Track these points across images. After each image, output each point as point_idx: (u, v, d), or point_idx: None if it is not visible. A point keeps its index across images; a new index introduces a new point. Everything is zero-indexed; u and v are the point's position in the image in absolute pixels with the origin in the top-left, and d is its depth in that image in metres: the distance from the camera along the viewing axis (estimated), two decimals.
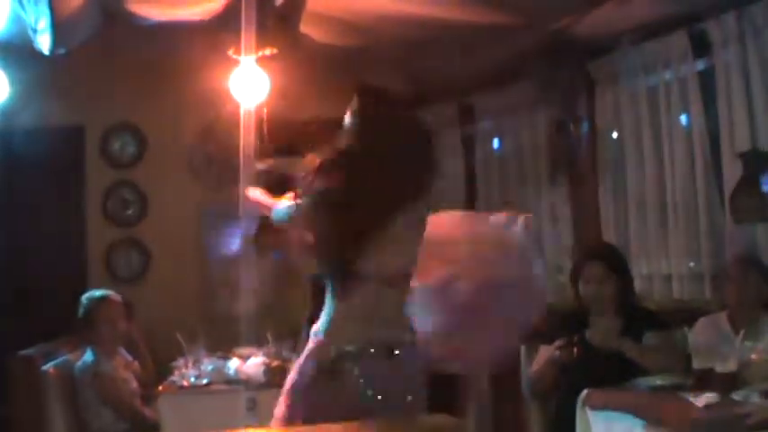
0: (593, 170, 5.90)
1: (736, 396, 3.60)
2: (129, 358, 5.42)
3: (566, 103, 5.92)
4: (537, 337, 4.83)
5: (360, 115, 3.26)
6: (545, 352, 4.63)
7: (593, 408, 4.02)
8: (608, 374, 4.21)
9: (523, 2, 4.97)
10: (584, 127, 5.89)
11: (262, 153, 5.05)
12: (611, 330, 4.55)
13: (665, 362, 4.32)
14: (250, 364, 4.93)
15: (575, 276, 4.79)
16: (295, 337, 5.04)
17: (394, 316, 3.15)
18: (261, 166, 4.13)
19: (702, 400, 3.59)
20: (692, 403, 3.59)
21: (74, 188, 7.04)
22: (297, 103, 6.28)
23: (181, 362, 5.05)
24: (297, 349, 5.01)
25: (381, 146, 3.16)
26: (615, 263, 4.73)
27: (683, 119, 5.34)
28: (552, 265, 6.21)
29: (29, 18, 4.35)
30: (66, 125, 6.98)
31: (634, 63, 5.56)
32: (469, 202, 6.89)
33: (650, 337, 4.48)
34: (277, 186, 3.51)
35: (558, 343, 4.51)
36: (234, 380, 4.89)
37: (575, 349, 4.45)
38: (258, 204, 3.61)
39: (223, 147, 6.43)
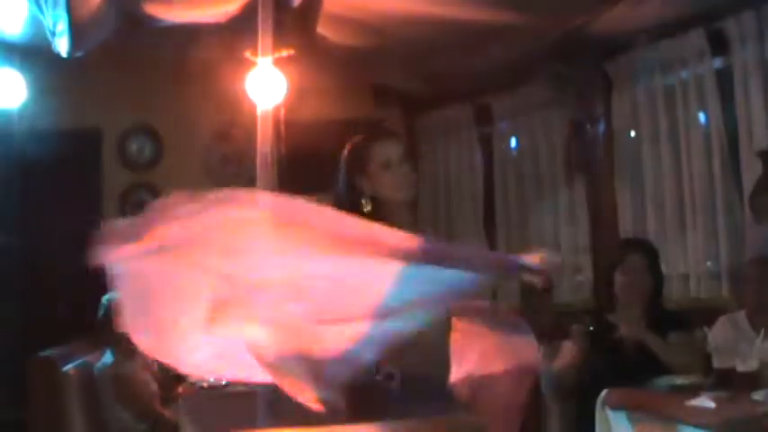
0: (611, 170, 5.89)
1: (757, 396, 3.58)
2: (149, 360, 5.43)
3: (582, 102, 5.91)
4: (558, 335, 4.83)
5: None
6: (567, 349, 4.61)
7: (613, 407, 4.00)
8: (630, 370, 4.20)
9: (539, 1, 4.97)
10: (601, 126, 5.89)
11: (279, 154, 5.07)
12: (637, 322, 4.53)
13: (687, 360, 4.30)
14: None
15: (612, 266, 4.74)
16: None
17: None
18: None
19: (709, 399, 3.58)
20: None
21: (91, 190, 7.06)
22: (314, 104, 6.29)
23: None
24: None
25: None
26: (655, 259, 4.70)
27: (701, 118, 5.33)
28: (570, 264, 6.21)
29: (47, 21, 4.36)
30: (84, 128, 7.01)
31: (651, 62, 5.56)
32: (487, 202, 6.89)
33: (674, 337, 4.46)
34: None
35: (578, 327, 4.51)
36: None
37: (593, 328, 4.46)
38: None
39: (240, 148, 6.46)
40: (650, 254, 4.70)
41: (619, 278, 4.63)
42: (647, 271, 4.60)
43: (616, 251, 4.87)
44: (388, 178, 3.00)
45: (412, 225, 2.98)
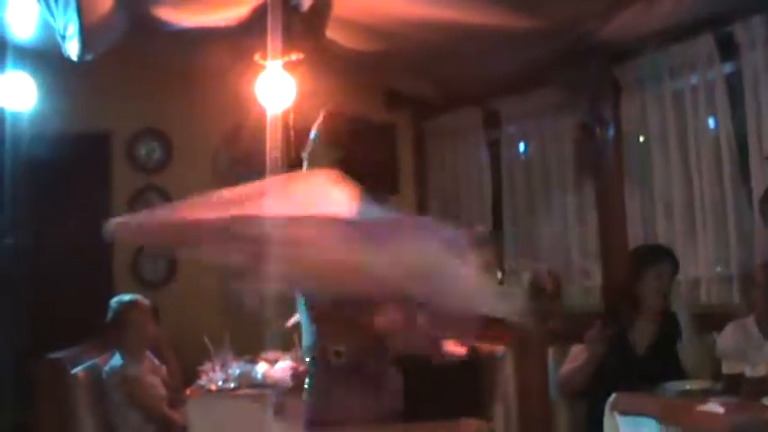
0: (620, 174, 5.87)
1: (766, 401, 3.58)
2: (157, 362, 5.44)
3: (592, 107, 5.90)
4: (567, 338, 4.84)
5: None
6: (577, 352, 4.63)
7: (622, 412, 4.00)
8: (640, 374, 4.21)
9: (549, 6, 4.97)
10: (611, 131, 5.87)
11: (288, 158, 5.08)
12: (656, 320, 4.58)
13: (700, 360, 4.34)
14: (277, 368, 4.92)
15: (640, 270, 4.74)
16: None
17: None
18: None
19: (718, 404, 3.58)
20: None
21: (100, 193, 7.07)
22: (323, 108, 6.29)
23: (208, 366, 5.06)
24: None
25: None
26: (678, 266, 4.77)
27: (710, 122, 5.32)
28: (580, 269, 6.20)
29: (57, 24, 4.38)
30: (93, 131, 7.02)
31: (660, 67, 5.54)
32: (495, 207, 6.89)
33: (683, 342, 4.49)
34: None
35: (592, 333, 4.53)
36: (261, 384, 4.89)
37: (609, 333, 4.49)
38: None
39: (249, 151, 6.46)
40: (675, 261, 4.74)
41: (651, 283, 4.66)
42: (672, 277, 4.66)
43: (643, 257, 4.87)
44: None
45: None
